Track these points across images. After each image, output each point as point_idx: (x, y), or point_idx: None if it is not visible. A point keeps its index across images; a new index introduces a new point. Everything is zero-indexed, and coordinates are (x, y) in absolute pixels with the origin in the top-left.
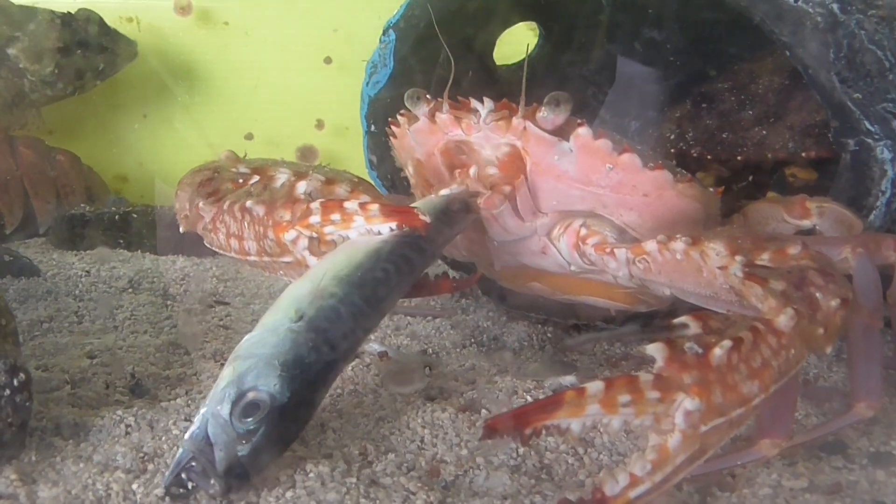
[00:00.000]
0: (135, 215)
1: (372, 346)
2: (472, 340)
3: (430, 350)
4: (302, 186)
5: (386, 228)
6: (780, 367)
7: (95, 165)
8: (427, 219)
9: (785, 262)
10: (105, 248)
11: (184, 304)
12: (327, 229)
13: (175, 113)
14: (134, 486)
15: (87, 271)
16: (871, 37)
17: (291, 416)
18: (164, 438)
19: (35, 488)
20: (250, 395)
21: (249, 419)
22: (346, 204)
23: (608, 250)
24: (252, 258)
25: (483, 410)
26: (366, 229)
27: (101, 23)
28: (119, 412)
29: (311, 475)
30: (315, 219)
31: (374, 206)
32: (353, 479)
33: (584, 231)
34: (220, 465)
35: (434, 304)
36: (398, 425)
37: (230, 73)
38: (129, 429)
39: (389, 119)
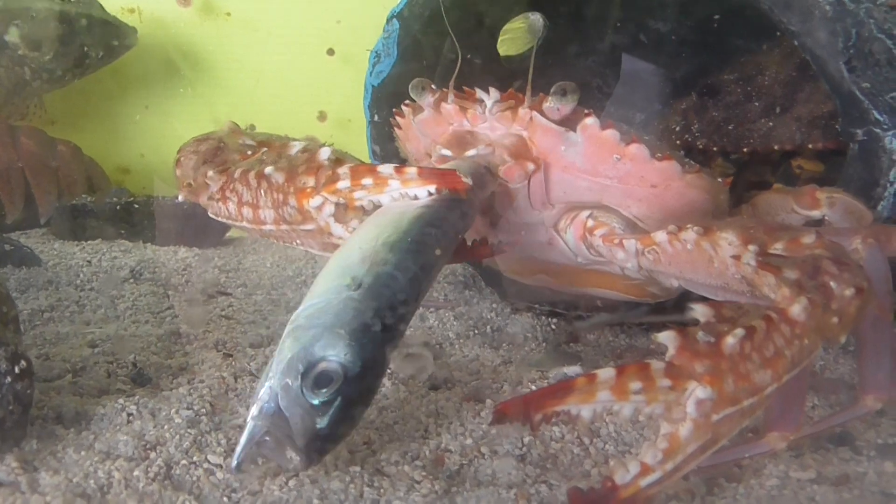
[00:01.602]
0: (136, 206)
1: None
2: (476, 331)
3: (434, 340)
4: (325, 153)
5: (424, 192)
6: (793, 356)
7: (97, 156)
8: (468, 181)
9: (799, 251)
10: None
11: (186, 294)
12: (357, 194)
13: (177, 104)
14: (136, 474)
15: (89, 261)
16: (881, 25)
17: (364, 384)
18: (165, 427)
19: (36, 476)
20: (321, 366)
21: (324, 390)
22: (380, 168)
23: (616, 241)
24: (268, 227)
25: (487, 400)
26: (400, 194)
27: (101, 9)
28: (121, 401)
29: None
30: (344, 184)
31: (412, 170)
32: (357, 468)
33: (591, 222)
34: (299, 439)
35: (437, 296)
36: (402, 414)
37: (232, 65)
38: (130, 417)
39: (394, 110)
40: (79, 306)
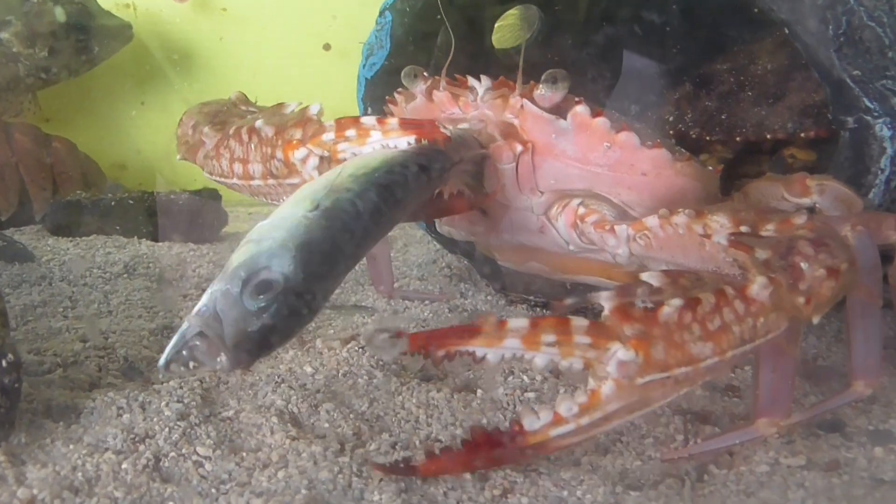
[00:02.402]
0: (131, 202)
1: None
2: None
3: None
4: (315, 108)
5: (404, 143)
6: (743, 333)
7: (93, 153)
8: (447, 132)
9: (790, 232)
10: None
11: (180, 289)
12: (341, 146)
13: (173, 100)
14: (124, 466)
15: (83, 257)
16: (871, 13)
17: (303, 299)
18: (155, 420)
19: (24, 469)
20: (263, 275)
21: (261, 296)
22: (363, 119)
23: (608, 228)
24: (256, 182)
25: (478, 391)
26: (381, 145)
27: (96, 5)
28: (111, 394)
29: (304, 455)
30: (328, 136)
31: (393, 120)
32: (346, 459)
33: (582, 210)
34: (229, 340)
35: (432, 288)
36: (393, 405)
37: (228, 60)
38: (120, 410)
39: (387, 98)
40: (71, 301)
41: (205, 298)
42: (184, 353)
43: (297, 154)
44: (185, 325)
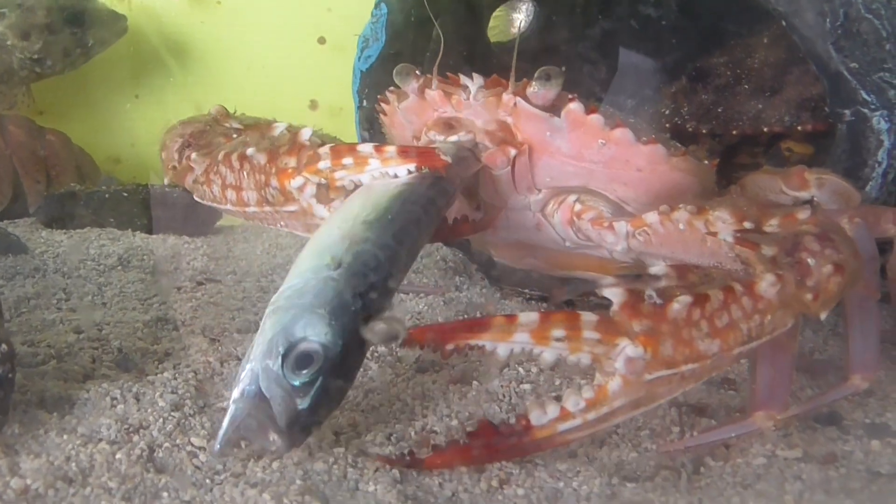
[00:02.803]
0: (125, 194)
1: None
2: (466, 316)
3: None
4: (306, 133)
5: (403, 171)
6: (751, 329)
7: (87, 146)
8: (448, 159)
9: (794, 227)
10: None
11: (174, 281)
12: (338, 174)
13: (167, 94)
14: (118, 456)
15: (77, 249)
16: (868, 5)
17: (344, 364)
18: (149, 410)
19: (17, 459)
20: (302, 347)
21: (305, 371)
22: (360, 147)
23: (606, 224)
24: (251, 209)
25: (474, 382)
26: (381, 172)
27: None
28: (105, 385)
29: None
30: (325, 164)
31: (391, 148)
32: (342, 450)
33: (578, 206)
34: (280, 420)
35: (427, 281)
36: (388, 397)
37: (223, 54)
38: (114, 401)
39: (379, 96)
40: (65, 293)
41: (245, 376)
42: (236, 436)
43: (294, 183)
44: (232, 409)
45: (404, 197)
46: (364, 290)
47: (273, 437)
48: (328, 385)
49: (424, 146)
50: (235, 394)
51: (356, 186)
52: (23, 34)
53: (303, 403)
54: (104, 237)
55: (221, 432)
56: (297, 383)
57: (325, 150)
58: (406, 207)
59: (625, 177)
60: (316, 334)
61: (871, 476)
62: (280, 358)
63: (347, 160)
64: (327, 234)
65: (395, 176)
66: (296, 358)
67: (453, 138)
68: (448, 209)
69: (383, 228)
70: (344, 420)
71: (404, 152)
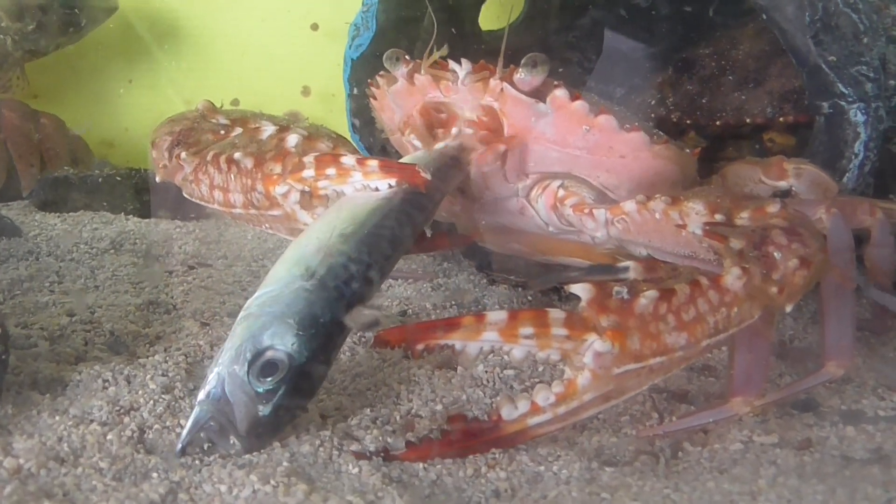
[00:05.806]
0: (118, 178)
1: None
2: (453, 302)
3: (410, 311)
4: (292, 140)
5: (384, 185)
6: (717, 322)
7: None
8: (428, 175)
9: (764, 220)
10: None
11: (166, 264)
12: (321, 184)
13: (161, 78)
14: (109, 437)
15: (70, 232)
16: (846, 0)
17: (309, 375)
18: (140, 392)
19: (10, 440)
20: (268, 355)
21: (269, 379)
22: (343, 159)
23: (587, 211)
24: (237, 210)
25: (459, 368)
26: (362, 185)
27: None
28: (97, 367)
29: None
30: (309, 173)
31: (373, 162)
32: (328, 433)
33: (561, 192)
34: (241, 425)
35: (415, 267)
36: (375, 381)
37: (216, 39)
38: (106, 383)
39: (369, 81)
40: (58, 276)
41: (212, 379)
42: (198, 437)
43: (279, 189)
44: (196, 411)
45: (381, 212)
46: (334, 302)
47: (233, 440)
48: (290, 394)
49: (407, 162)
50: (201, 395)
51: (339, 195)
52: (17, 15)
53: (264, 410)
54: (97, 221)
55: (185, 432)
56: (260, 390)
57: (309, 158)
58: (383, 222)
59: (608, 163)
60: (283, 344)
61: (844, 461)
62: (247, 364)
63: (330, 171)
64: (305, 244)
65: (377, 189)
66: (261, 365)
67: (439, 146)
68: (427, 223)
69: (359, 242)
70: (331, 403)
71: (386, 167)
